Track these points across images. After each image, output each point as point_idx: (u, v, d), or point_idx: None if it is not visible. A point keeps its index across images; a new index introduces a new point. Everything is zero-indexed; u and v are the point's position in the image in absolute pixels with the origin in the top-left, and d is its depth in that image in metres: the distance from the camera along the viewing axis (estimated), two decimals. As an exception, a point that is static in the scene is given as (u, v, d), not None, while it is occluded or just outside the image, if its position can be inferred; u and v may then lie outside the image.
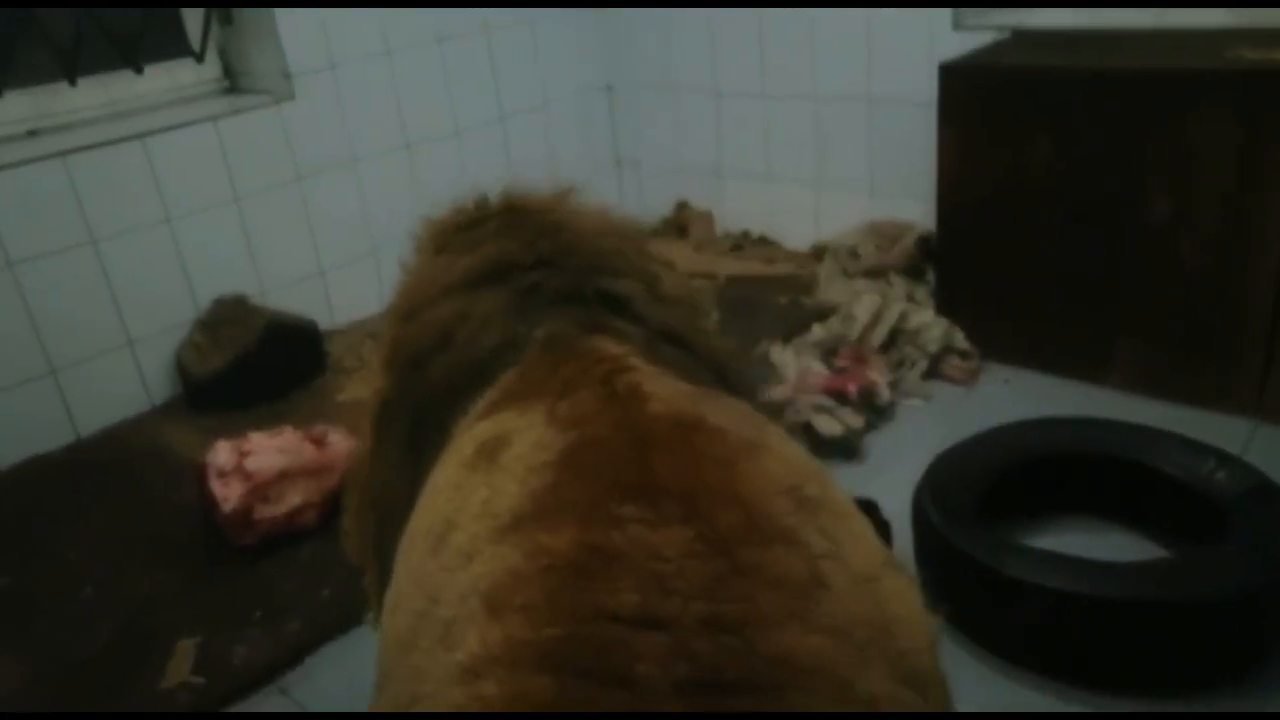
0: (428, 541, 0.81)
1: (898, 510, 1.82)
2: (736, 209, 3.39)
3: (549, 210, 1.15)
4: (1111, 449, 1.89)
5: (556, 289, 1.01)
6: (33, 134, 2.55)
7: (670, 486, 0.72)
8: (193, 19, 2.78)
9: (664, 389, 0.85)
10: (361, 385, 2.62)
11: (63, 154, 2.39)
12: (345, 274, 2.98)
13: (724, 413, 0.84)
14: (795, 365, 2.41)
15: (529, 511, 0.74)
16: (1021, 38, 2.58)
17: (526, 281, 1.03)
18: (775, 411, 2.22)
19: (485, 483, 0.80)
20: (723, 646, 0.63)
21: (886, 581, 0.76)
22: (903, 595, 0.77)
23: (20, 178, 2.33)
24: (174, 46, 2.78)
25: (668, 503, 0.71)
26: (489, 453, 0.83)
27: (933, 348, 2.46)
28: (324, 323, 2.86)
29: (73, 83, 2.59)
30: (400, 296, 1.16)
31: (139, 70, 2.68)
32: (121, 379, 2.57)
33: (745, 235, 3.37)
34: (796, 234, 3.24)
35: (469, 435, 0.89)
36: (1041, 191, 2.31)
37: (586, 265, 1.04)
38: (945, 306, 2.57)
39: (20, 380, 2.39)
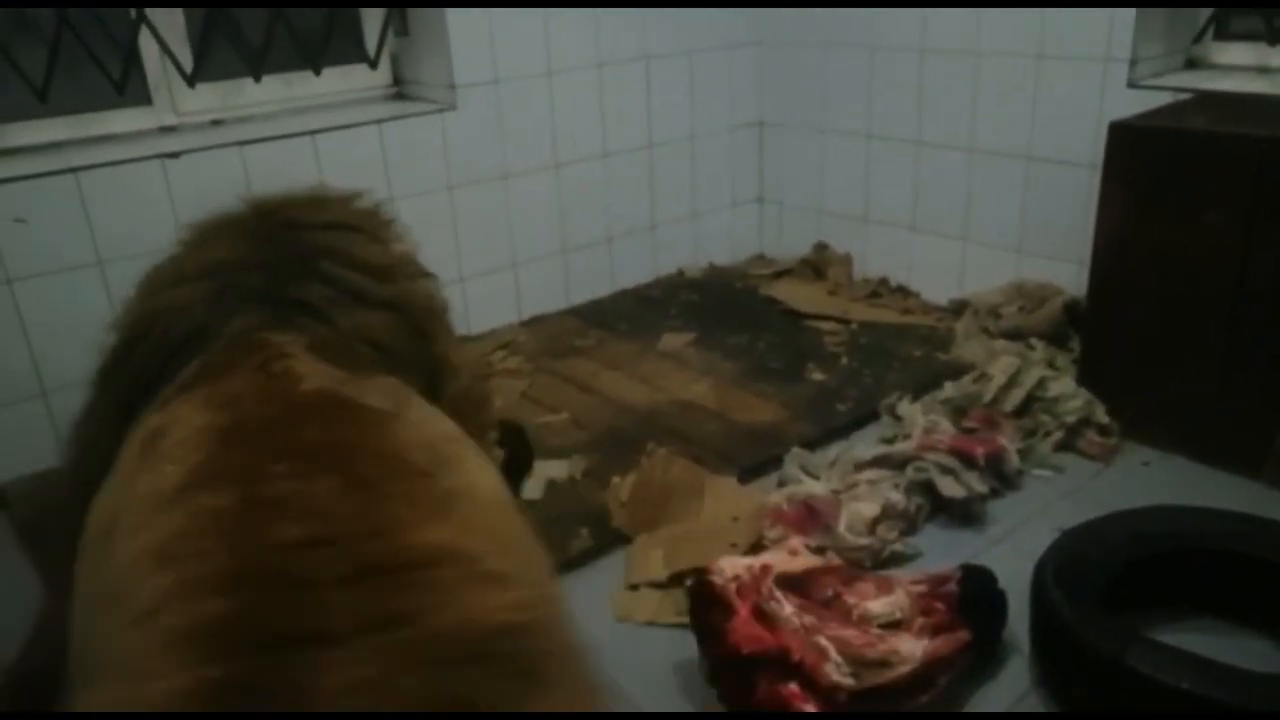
0: (98, 538, 0.85)
1: (1014, 584, 1.75)
2: (877, 256, 3.34)
3: (290, 214, 1.16)
4: (1256, 548, 1.76)
5: (252, 289, 1.04)
6: (216, 123, 2.74)
7: (318, 448, 0.83)
8: (371, 28, 2.93)
9: (315, 371, 0.94)
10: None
11: (240, 144, 2.54)
12: (484, 283, 3.06)
13: (371, 393, 0.94)
14: (923, 421, 2.35)
15: (190, 482, 0.81)
16: (1202, 100, 2.45)
17: (228, 280, 1.06)
18: (898, 466, 2.16)
19: (148, 469, 0.85)
20: (377, 546, 0.75)
21: (510, 507, 0.91)
22: (518, 516, 0.92)
23: (201, 162, 2.49)
24: (352, 52, 2.94)
25: (316, 459, 0.82)
26: (152, 442, 0.89)
27: (1070, 419, 2.35)
28: (459, 329, 2.94)
29: (257, 79, 2.76)
30: (148, 273, 1.16)
31: (318, 72, 2.84)
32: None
33: (884, 283, 3.30)
34: (937, 287, 3.16)
35: (141, 427, 0.93)
36: (1207, 266, 2.18)
37: (294, 269, 1.07)
38: (1087, 377, 2.45)
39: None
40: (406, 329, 1.11)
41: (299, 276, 1.07)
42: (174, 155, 2.45)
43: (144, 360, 1.04)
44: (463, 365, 1.22)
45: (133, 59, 2.57)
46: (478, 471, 0.93)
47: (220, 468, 0.82)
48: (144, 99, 2.65)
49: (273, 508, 0.77)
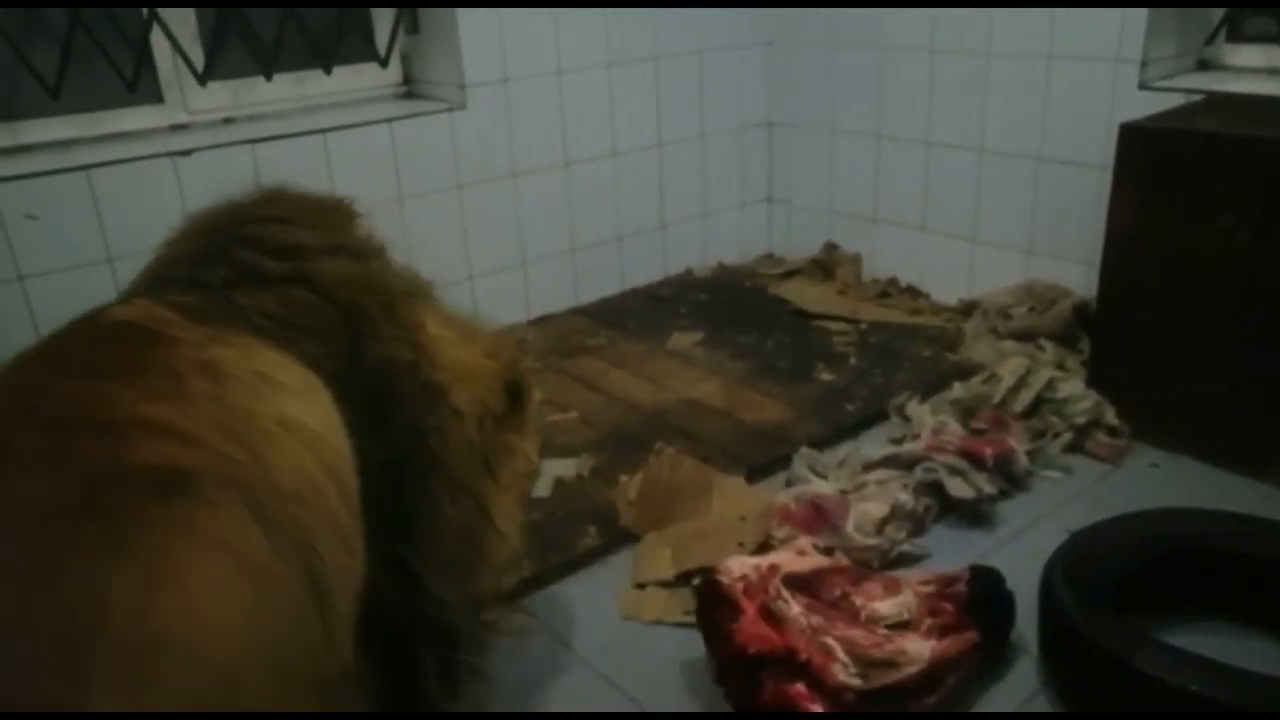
0: None
1: (1022, 585, 1.74)
2: (886, 256, 3.33)
3: (244, 212, 1.22)
4: (1265, 550, 1.75)
5: (169, 276, 1.14)
6: (228, 121, 2.75)
7: (74, 355, 0.98)
8: (382, 27, 2.94)
9: (145, 314, 1.04)
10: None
11: (251, 141, 2.55)
12: (493, 282, 3.07)
13: (211, 341, 1.01)
14: (931, 422, 2.34)
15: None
16: (1213, 102, 2.44)
17: (162, 270, 1.17)
18: (906, 466, 2.16)
19: None
20: (80, 402, 0.88)
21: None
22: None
23: (212, 160, 2.50)
24: (362, 51, 2.95)
25: (71, 359, 0.98)
26: None
27: (1079, 420, 2.34)
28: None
29: (269, 77, 2.77)
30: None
31: (328, 70, 2.85)
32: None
33: (893, 283, 3.30)
34: (946, 287, 3.16)
35: None
36: (1218, 268, 2.17)
37: (209, 256, 1.14)
38: (1097, 379, 2.45)
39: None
40: (315, 303, 1.13)
41: (208, 262, 1.13)
42: (185, 153, 2.46)
43: None
44: (462, 368, 1.25)
45: (145, 57, 2.58)
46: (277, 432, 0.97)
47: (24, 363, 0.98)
48: (156, 97, 2.66)
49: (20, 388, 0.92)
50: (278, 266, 1.13)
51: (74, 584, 0.72)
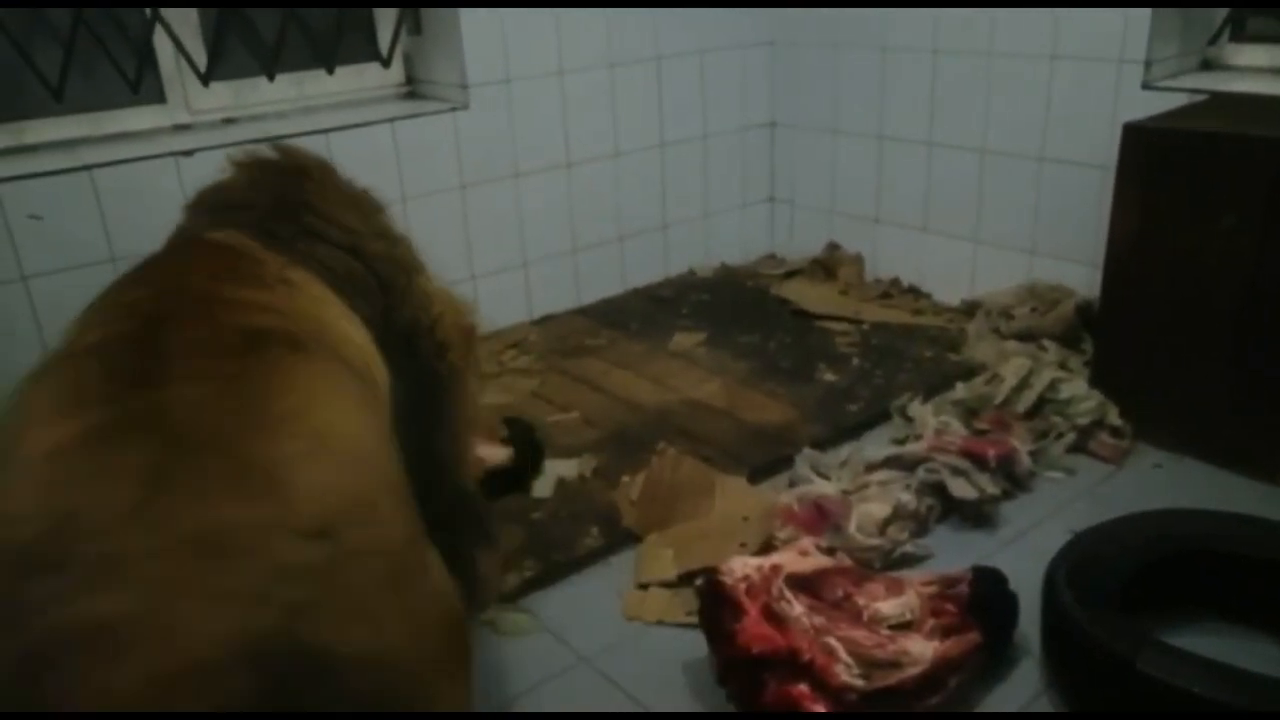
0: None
1: (1025, 586, 1.74)
2: (888, 256, 3.33)
3: (291, 173, 1.48)
4: (1268, 551, 1.75)
5: (239, 220, 1.35)
6: (229, 121, 2.75)
7: (183, 308, 1.08)
8: (384, 27, 2.94)
9: (234, 240, 1.28)
10: (500, 390, 2.69)
11: (253, 142, 2.53)
12: (495, 282, 3.07)
13: (286, 265, 1.26)
14: (934, 422, 2.34)
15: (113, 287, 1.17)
16: (1217, 102, 2.44)
17: (226, 214, 1.39)
18: (909, 467, 2.16)
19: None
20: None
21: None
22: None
23: (214, 160, 2.47)
24: (364, 51, 2.95)
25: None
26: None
27: (1082, 421, 2.34)
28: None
29: (271, 78, 2.77)
30: (192, 197, 1.53)
31: (330, 71, 2.85)
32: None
33: (895, 284, 3.30)
34: (948, 288, 3.15)
35: None
36: (1222, 268, 2.17)
37: (278, 213, 1.37)
38: (1100, 379, 2.44)
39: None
40: (363, 273, 1.38)
41: (279, 219, 1.35)
42: (187, 153, 2.46)
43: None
44: (446, 310, 1.54)
45: (147, 58, 2.58)
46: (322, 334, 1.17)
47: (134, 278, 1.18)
48: (158, 97, 2.66)
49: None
50: (339, 236, 1.38)
51: (255, 389, 0.95)
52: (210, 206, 1.43)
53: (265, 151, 1.51)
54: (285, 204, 1.38)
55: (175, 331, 1.00)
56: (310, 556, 0.82)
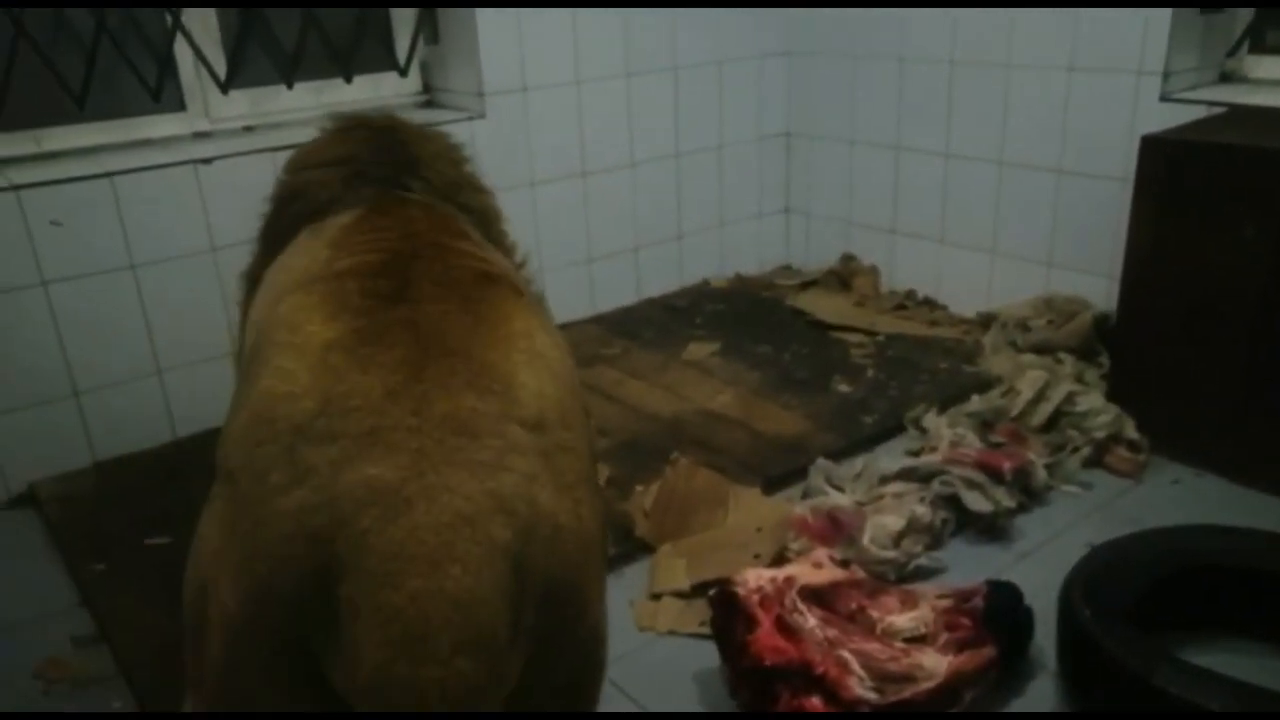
0: (268, 299, 1.25)
1: (1041, 600, 1.73)
2: (905, 268, 3.32)
3: (404, 135, 1.62)
4: (1290, 568, 1.74)
5: (374, 177, 1.49)
6: (249, 129, 2.77)
7: (421, 249, 1.21)
8: (402, 36, 2.96)
9: (429, 219, 1.37)
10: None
11: (272, 149, 2.57)
12: (510, 289, 3.07)
13: (459, 239, 1.33)
14: (949, 435, 2.33)
15: (343, 237, 1.27)
16: (1236, 114, 2.43)
17: (357, 169, 1.51)
18: (924, 479, 2.15)
19: (307, 249, 1.31)
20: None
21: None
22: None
23: (233, 168, 2.52)
24: (383, 60, 2.96)
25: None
26: (316, 232, 1.35)
27: (1099, 434, 2.33)
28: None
29: (290, 86, 2.79)
30: (293, 158, 1.63)
31: (349, 79, 2.87)
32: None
33: (910, 295, 3.29)
34: (964, 300, 3.14)
35: (306, 233, 1.39)
36: (1240, 281, 2.15)
37: (406, 170, 1.52)
38: (1117, 392, 2.43)
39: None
40: (474, 224, 1.52)
41: (409, 175, 1.51)
42: (207, 161, 2.48)
43: (292, 219, 1.48)
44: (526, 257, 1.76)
45: (168, 66, 2.61)
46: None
47: (353, 242, 1.25)
48: (179, 105, 2.69)
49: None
50: (457, 196, 1.57)
51: (488, 314, 1.09)
52: (319, 164, 1.56)
53: (344, 116, 1.66)
54: (406, 162, 1.54)
55: (417, 266, 1.14)
56: (533, 442, 0.99)
